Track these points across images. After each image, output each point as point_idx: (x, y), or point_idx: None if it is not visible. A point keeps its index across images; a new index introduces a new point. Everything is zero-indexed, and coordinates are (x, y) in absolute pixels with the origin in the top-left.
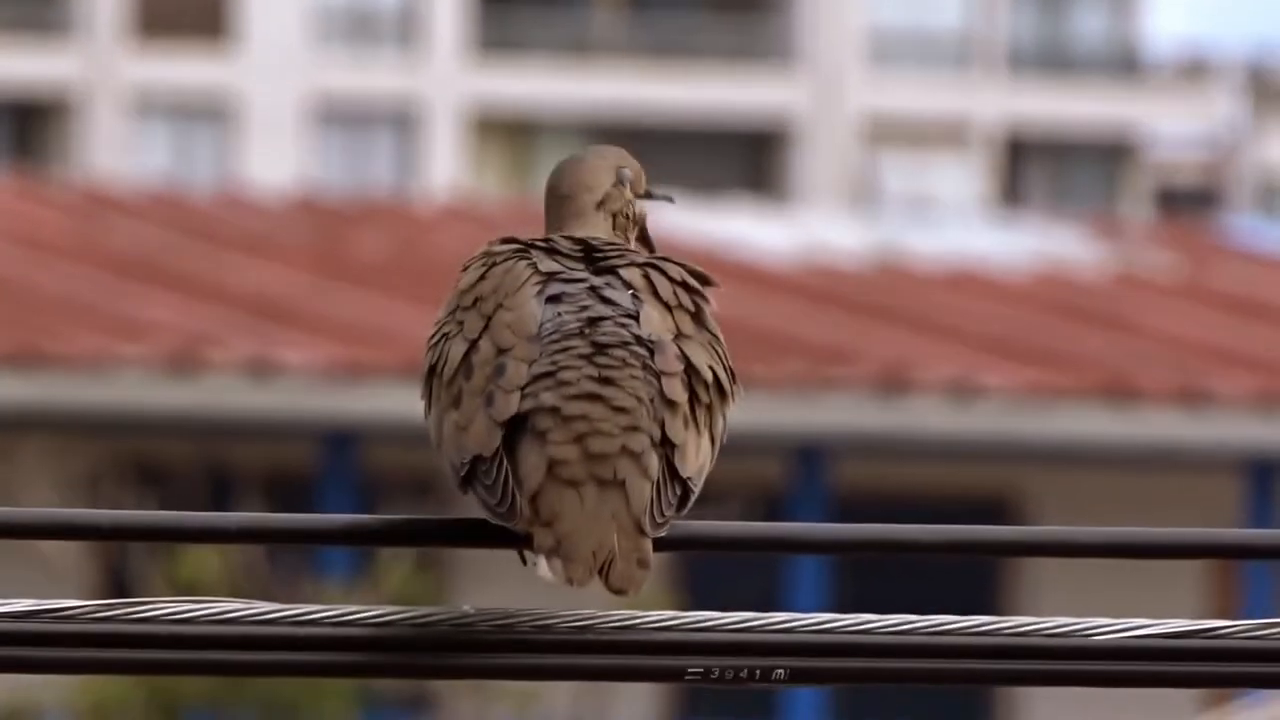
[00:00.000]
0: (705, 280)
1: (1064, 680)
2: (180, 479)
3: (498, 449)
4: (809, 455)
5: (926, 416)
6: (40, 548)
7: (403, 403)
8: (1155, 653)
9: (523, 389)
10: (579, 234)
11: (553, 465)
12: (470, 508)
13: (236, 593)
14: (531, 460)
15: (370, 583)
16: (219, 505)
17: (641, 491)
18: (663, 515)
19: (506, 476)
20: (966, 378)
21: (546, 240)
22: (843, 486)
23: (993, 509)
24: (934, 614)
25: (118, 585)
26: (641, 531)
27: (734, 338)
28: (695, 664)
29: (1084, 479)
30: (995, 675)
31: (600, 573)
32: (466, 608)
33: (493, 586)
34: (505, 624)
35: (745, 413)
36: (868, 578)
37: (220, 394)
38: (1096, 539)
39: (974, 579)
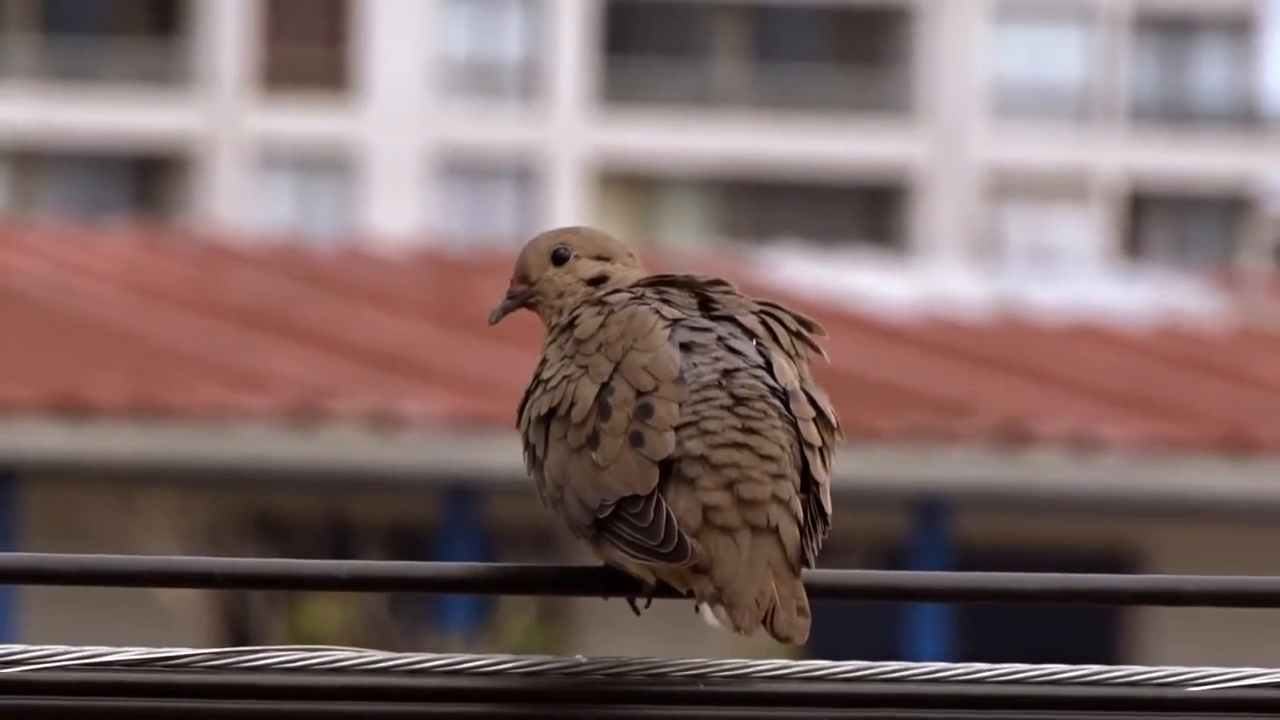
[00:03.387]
0: (812, 328)
1: None
2: (301, 532)
3: (655, 489)
4: (929, 508)
5: (1046, 469)
6: (160, 599)
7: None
8: (1265, 703)
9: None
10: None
11: (707, 511)
12: (584, 555)
13: (357, 644)
14: (684, 504)
15: (491, 633)
16: (340, 558)
17: (794, 537)
18: (814, 555)
19: (670, 516)
20: (1086, 430)
21: (654, 285)
22: (962, 539)
23: (1111, 563)
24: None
25: (238, 637)
26: (796, 576)
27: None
28: (807, 715)
29: (1203, 533)
30: None
31: (764, 621)
32: (579, 657)
33: (615, 636)
34: (618, 673)
35: (865, 465)
36: (989, 630)
37: (342, 447)
38: (1211, 587)
39: (1095, 632)
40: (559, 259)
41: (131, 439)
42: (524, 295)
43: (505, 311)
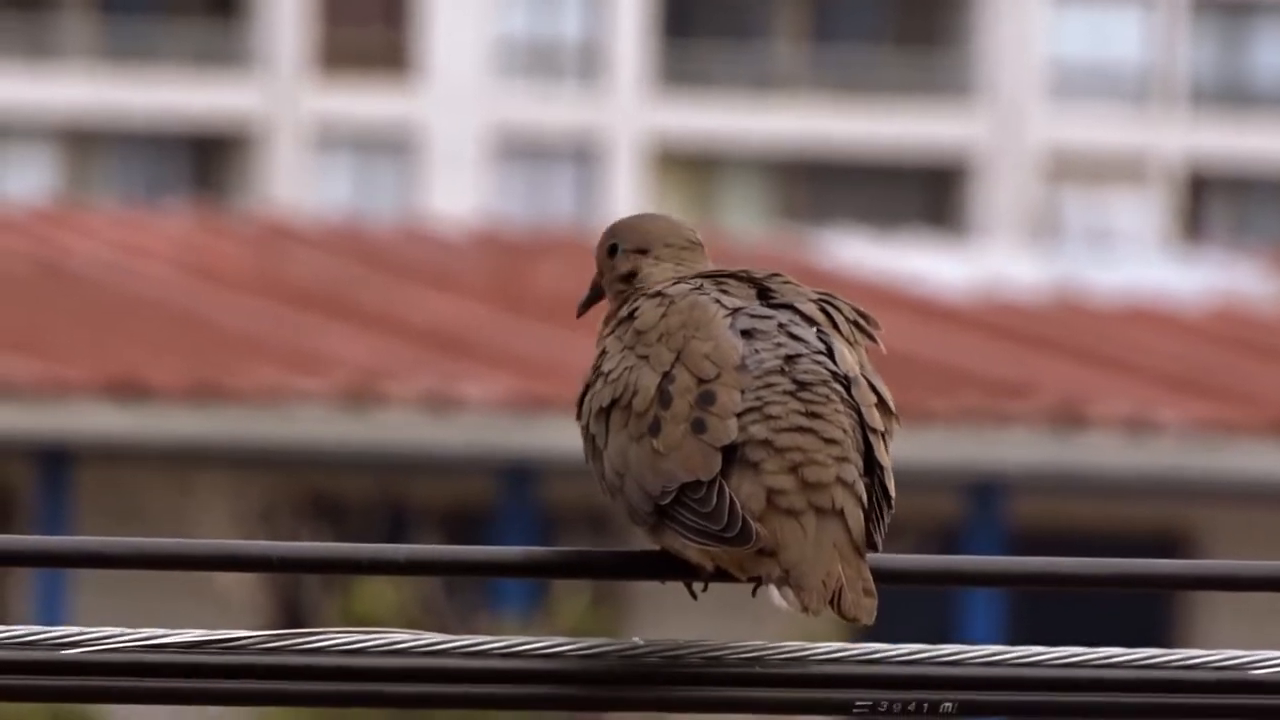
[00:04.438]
0: (870, 320)
1: (1231, 714)
2: (357, 514)
3: (717, 474)
4: (984, 490)
5: (1102, 451)
6: (217, 582)
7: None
8: None
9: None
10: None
11: (771, 495)
12: (645, 541)
13: (412, 626)
14: (747, 489)
15: (546, 617)
16: (395, 540)
17: (858, 519)
18: (881, 538)
19: (733, 501)
20: (1143, 413)
21: (711, 277)
22: (1018, 522)
23: (1166, 545)
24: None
25: (293, 620)
26: (862, 558)
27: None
28: (863, 696)
29: (1260, 515)
30: (1163, 708)
31: (831, 602)
32: (635, 639)
33: (665, 622)
34: (674, 655)
35: (921, 447)
36: (1041, 613)
37: (399, 428)
38: (1267, 572)
39: (1148, 614)
40: (613, 250)
41: (188, 420)
42: (598, 286)
43: (588, 303)
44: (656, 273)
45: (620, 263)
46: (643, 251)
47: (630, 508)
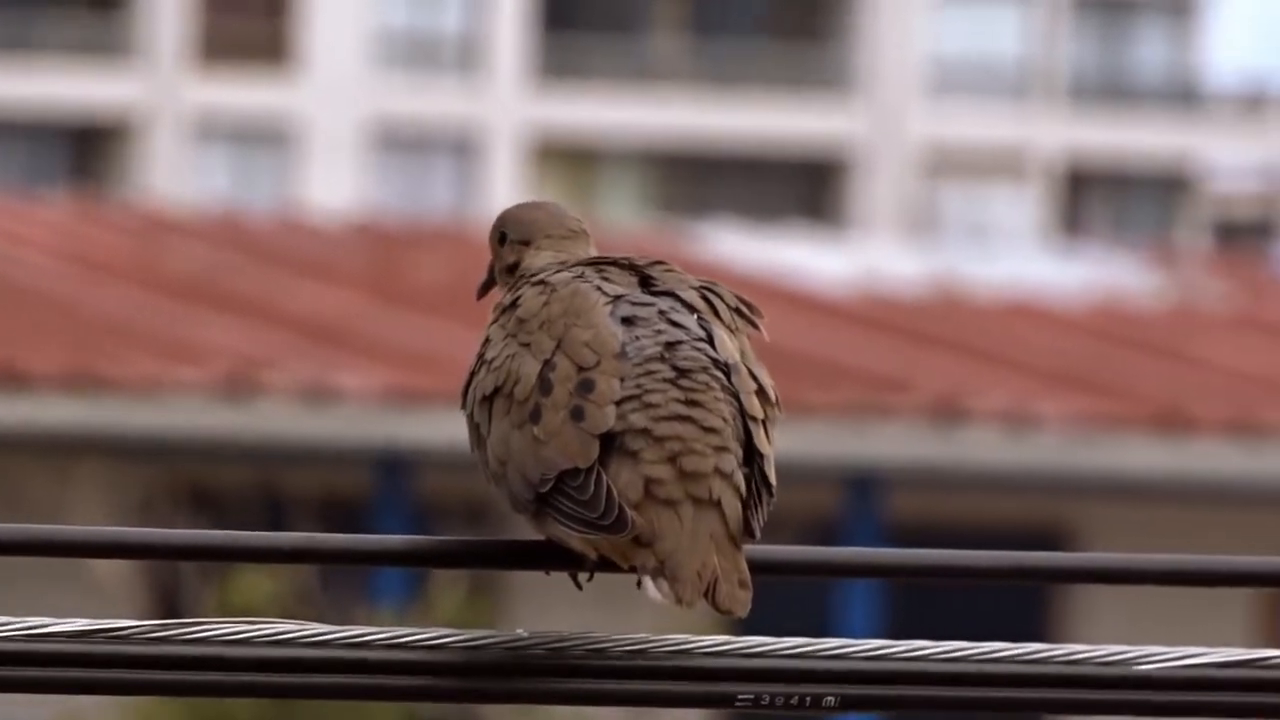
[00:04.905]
0: (752, 308)
1: (1117, 709)
2: (234, 504)
3: (595, 462)
4: (863, 484)
5: (980, 446)
6: (94, 571)
7: (459, 428)
8: (1208, 682)
9: (617, 404)
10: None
11: (649, 484)
12: (526, 531)
13: (289, 617)
14: (625, 478)
15: (424, 608)
16: (273, 530)
17: (736, 510)
18: (760, 526)
19: (609, 489)
20: (1022, 407)
21: (594, 264)
22: (896, 516)
23: (1046, 540)
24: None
25: (171, 609)
26: (738, 550)
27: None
28: (746, 690)
29: (1138, 511)
30: (1048, 704)
31: (705, 594)
32: (520, 631)
33: (548, 612)
34: (559, 648)
35: (800, 441)
36: (920, 607)
37: (276, 419)
38: (1149, 565)
39: (1026, 609)
40: (502, 239)
41: (66, 409)
42: (492, 270)
43: (485, 288)
44: (537, 263)
45: (507, 253)
46: (525, 242)
47: (513, 496)
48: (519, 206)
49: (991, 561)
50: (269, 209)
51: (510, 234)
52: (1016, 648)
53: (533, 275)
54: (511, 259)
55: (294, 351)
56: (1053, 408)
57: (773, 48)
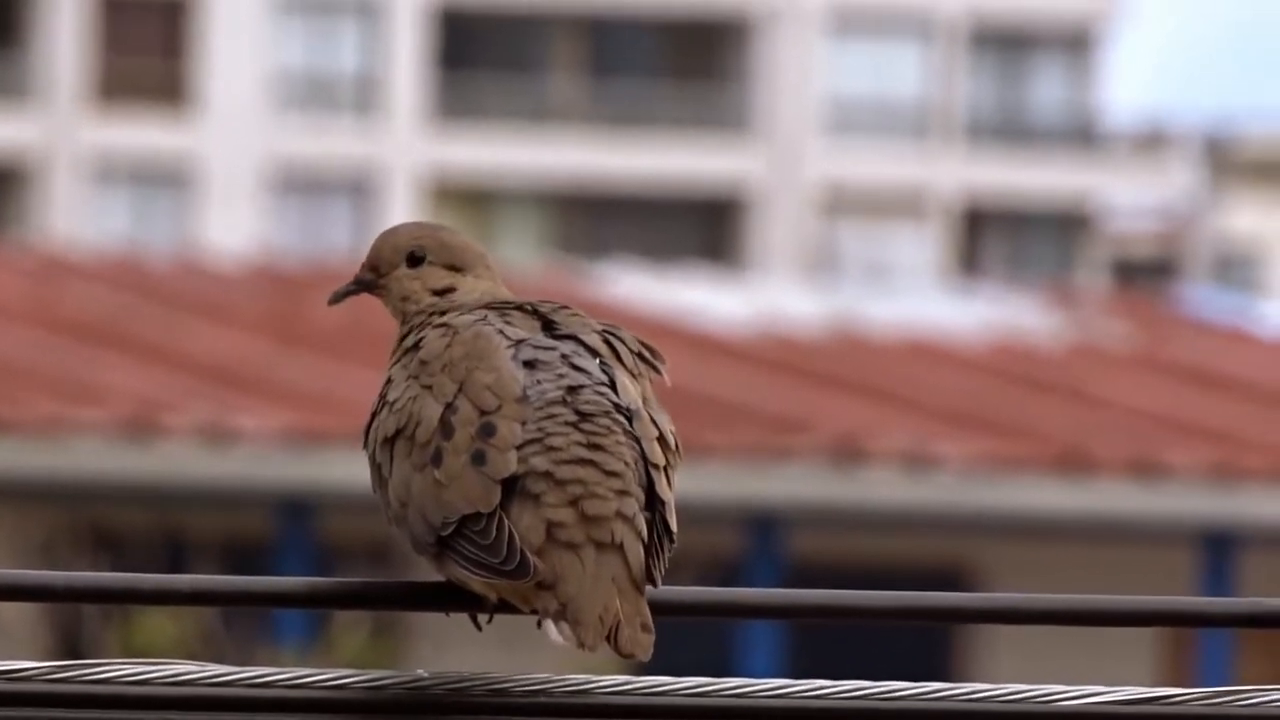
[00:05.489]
0: (654, 352)
1: None
2: (136, 546)
3: (496, 507)
4: (763, 525)
5: (881, 486)
6: None
7: (359, 470)
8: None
9: (518, 448)
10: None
11: (551, 527)
12: (427, 572)
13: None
14: (526, 521)
15: (325, 649)
16: (175, 572)
17: (638, 554)
18: (661, 574)
19: (512, 534)
20: (921, 447)
21: (496, 308)
22: (797, 556)
23: (948, 579)
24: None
25: (72, 651)
26: (640, 593)
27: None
28: None
29: (1039, 550)
30: None
31: (608, 638)
32: (421, 672)
33: (448, 653)
34: (460, 688)
35: (700, 481)
36: (821, 647)
37: (176, 461)
38: (1051, 606)
39: (927, 649)
40: (413, 259)
41: None
42: (370, 284)
43: (347, 294)
44: (477, 291)
45: (430, 275)
46: (456, 269)
47: (413, 538)
48: (435, 228)
49: (892, 602)
50: (168, 251)
51: (433, 256)
52: (918, 687)
53: (436, 316)
54: (442, 284)
55: (194, 393)
56: (953, 447)
57: (670, 88)
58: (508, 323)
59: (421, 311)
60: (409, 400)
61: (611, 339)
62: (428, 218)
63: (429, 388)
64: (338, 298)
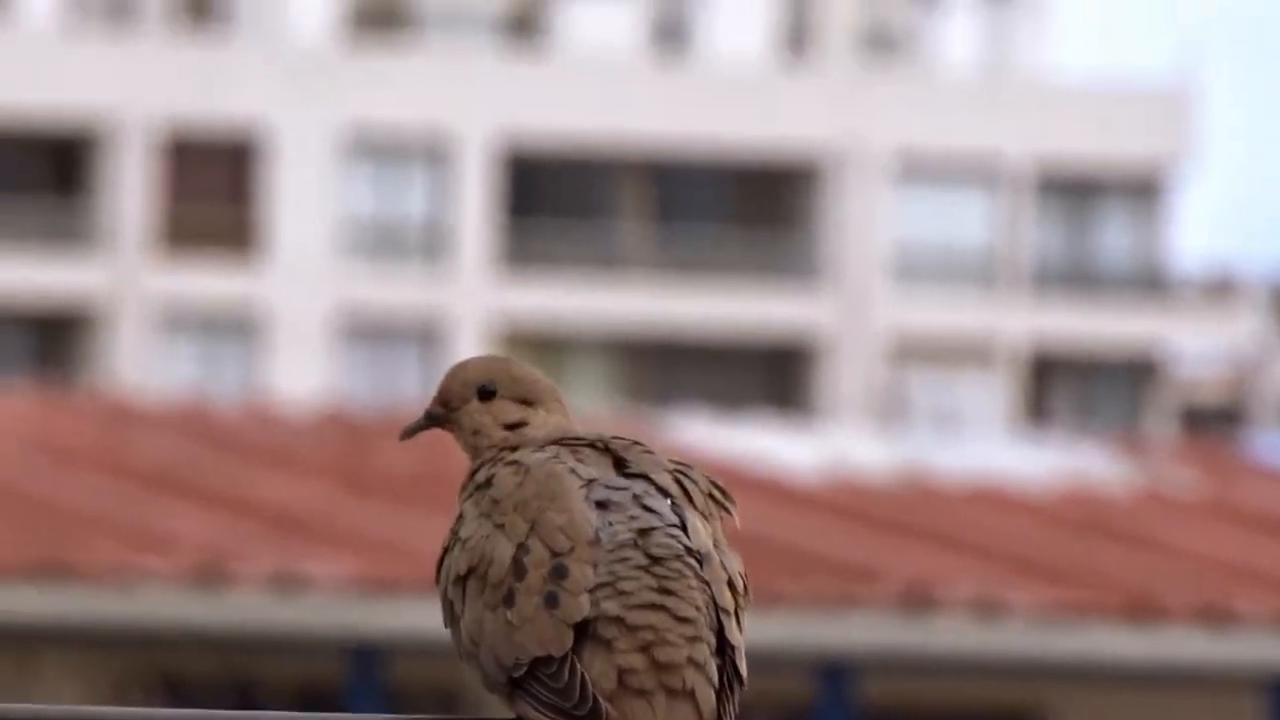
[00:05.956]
0: (725, 493)
1: None
2: (206, 692)
3: (569, 651)
4: (833, 671)
5: (950, 634)
6: None
7: (429, 616)
8: None
9: (590, 592)
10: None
11: (622, 674)
12: (498, 708)
13: None
14: (599, 667)
15: None
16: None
17: (709, 700)
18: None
19: (584, 679)
20: (990, 595)
21: (568, 445)
22: (868, 703)
23: None
24: None
25: None
26: None
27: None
28: None
29: (1108, 695)
30: None
31: None
32: None
33: None
34: None
35: (770, 629)
36: None
37: (245, 608)
38: None
39: None
40: (484, 393)
41: (32, 599)
42: (440, 419)
43: (418, 429)
44: (548, 425)
45: (501, 409)
46: (528, 402)
47: (485, 676)
48: (505, 362)
49: None
50: (236, 397)
51: (504, 390)
52: None
53: (507, 452)
54: (515, 417)
55: (262, 541)
56: (1022, 595)
57: (737, 234)
58: (580, 460)
59: (493, 446)
60: (481, 539)
61: (683, 478)
62: None
63: (501, 526)
64: (409, 433)
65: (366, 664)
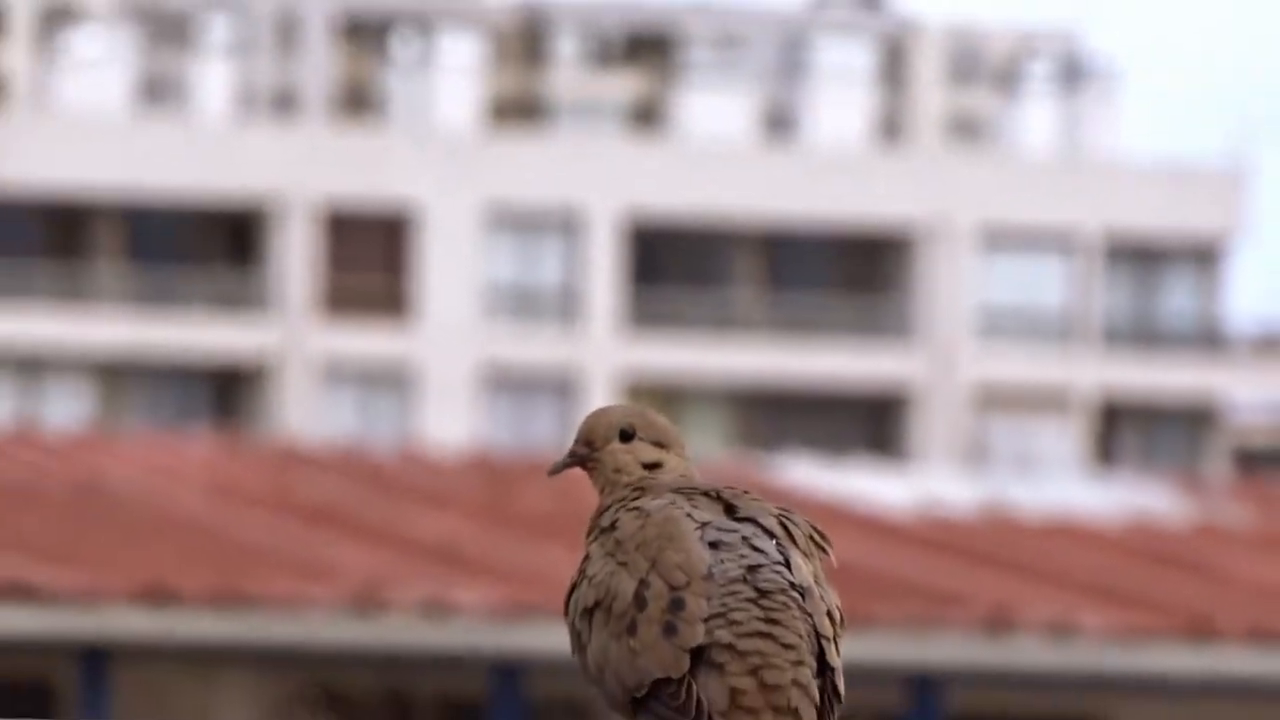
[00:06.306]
0: (824, 535)
1: None
2: (364, 708)
3: (686, 673)
4: (923, 686)
5: (1028, 652)
6: None
7: (564, 638)
8: None
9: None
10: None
11: (734, 694)
12: None
13: None
14: (713, 688)
15: None
16: None
17: (811, 717)
18: None
19: (700, 698)
20: (1065, 618)
21: (684, 493)
22: (954, 713)
23: None
24: None
25: None
26: None
27: (857, 580)
28: None
29: (1168, 706)
30: None
31: None
32: None
33: None
34: None
35: (867, 647)
36: None
37: (400, 631)
38: None
39: None
40: (625, 436)
41: (212, 624)
42: (584, 457)
43: (565, 466)
44: (679, 470)
45: (641, 449)
46: (663, 445)
47: (610, 697)
48: (642, 410)
49: None
50: (391, 444)
51: (643, 434)
52: None
53: (630, 500)
54: (652, 458)
55: (415, 571)
56: (1093, 618)
57: (839, 298)
58: (695, 506)
59: (628, 485)
60: (606, 575)
61: (787, 522)
62: None
63: (624, 564)
64: (557, 469)
65: (508, 681)
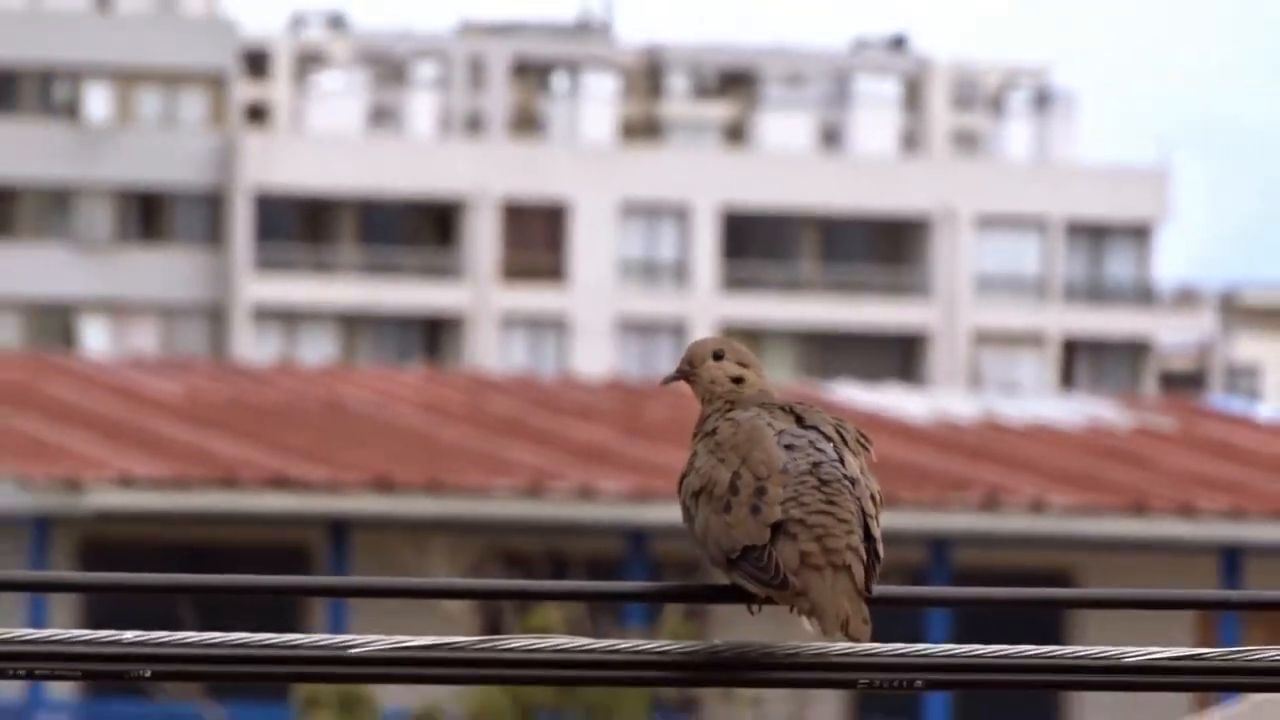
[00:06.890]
0: (867, 439)
1: (1107, 688)
2: (533, 565)
3: (767, 542)
4: (937, 545)
5: (1014, 520)
6: (446, 607)
7: (678, 514)
8: (1166, 669)
9: (781, 504)
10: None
11: (803, 556)
12: (720, 579)
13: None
14: (787, 552)
15: (656, 628)
16: (557, 580)
17: (860, 573)
18: (874, 585)
19: (777, 560)
20: (1040, 497)
21: (765, 408)
22: (960, 567)
23: (1057, 580)
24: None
25: (494, 630)
26: (861, 599)
27: (888, 470)
28: (864, 676)
29: (1114, 561)
30: (1057, 684)
31: (842, 628)
32: (717, 642)
33: (737, 629)
34: (743, 652)
35: (896, 520)
36: (981, 624)
37: (559, 510)
38: (1123, 597)
39: (1045, 626)
40: (717, 356)
41: (424, 504)
42: (687, 374)
43: (673, 379)
44: (757, 386)
45: (729, 367)
46: (745, 365)
47: (711, 558)
48: (729, 340)
49: (1020, 595)
50: (552, 374)
51: (730, 357)
52: (1038, 648)
53: (739, 401)
54: (736, 373)
55: (571, 465)
56: (1060, 497)
57: (876, 266)
58: (773, 418)
59: (720, 396)
60: (709, 468)
61: (840, 429)
62: None
63: (722, 460)
64: (668, 380)
65: (638, 545)
